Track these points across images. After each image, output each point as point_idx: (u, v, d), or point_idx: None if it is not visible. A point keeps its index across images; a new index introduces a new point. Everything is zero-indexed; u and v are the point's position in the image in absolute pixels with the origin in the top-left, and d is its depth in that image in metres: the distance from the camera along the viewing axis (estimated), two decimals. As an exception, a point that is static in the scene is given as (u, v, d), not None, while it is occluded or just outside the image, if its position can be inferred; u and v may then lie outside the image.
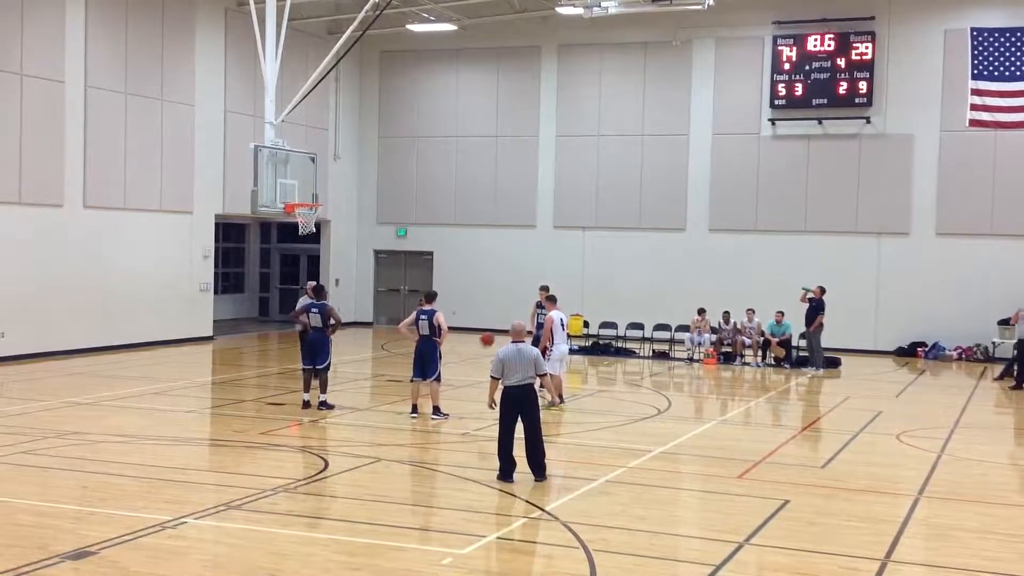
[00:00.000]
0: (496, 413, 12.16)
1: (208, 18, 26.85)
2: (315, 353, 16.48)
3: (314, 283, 24.08)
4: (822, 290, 23.89)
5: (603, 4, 24.06)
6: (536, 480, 11.88)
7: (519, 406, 11.96)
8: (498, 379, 12.14)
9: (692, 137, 29.27)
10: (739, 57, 28.84)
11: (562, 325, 17.69)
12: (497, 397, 12.18)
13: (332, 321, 16.68)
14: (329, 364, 16.73)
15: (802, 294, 23.91)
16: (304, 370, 16.68)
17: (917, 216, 27.35)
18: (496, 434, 12.15)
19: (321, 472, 12.39)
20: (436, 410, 16.03)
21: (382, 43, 31.66)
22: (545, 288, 19.34)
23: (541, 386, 12.60)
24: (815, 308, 23.69)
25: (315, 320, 16.63)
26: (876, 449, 14.90)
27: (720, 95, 29.00)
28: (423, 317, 16.00)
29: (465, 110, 31.69)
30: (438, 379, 16.12)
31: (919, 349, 26.92)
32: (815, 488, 12.05)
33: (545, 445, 12.17)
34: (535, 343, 16.79)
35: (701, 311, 25.49)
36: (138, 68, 24.75)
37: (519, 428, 11.99)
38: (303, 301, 18.88)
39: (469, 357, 24.17)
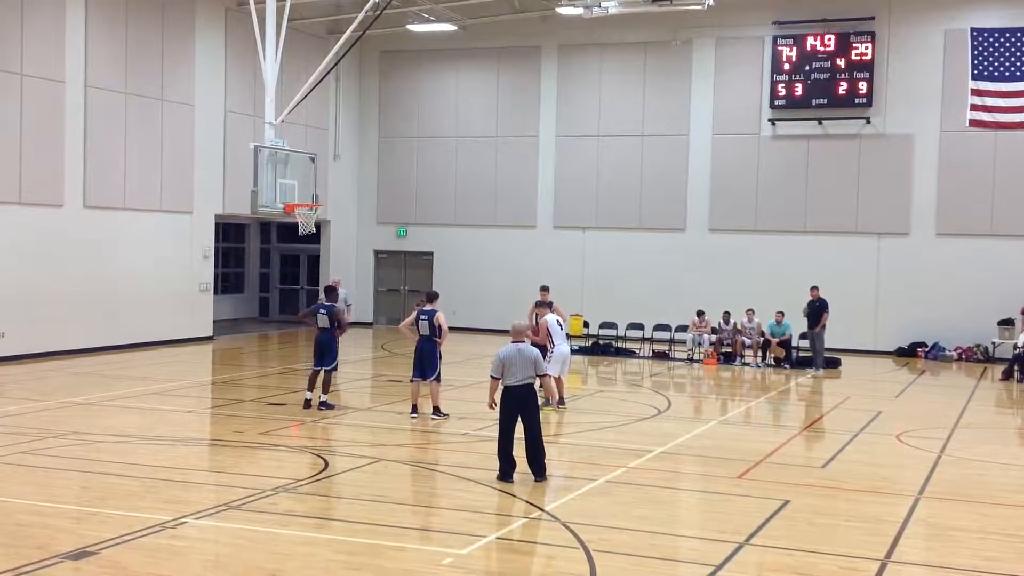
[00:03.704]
0: (496, 413, 12.16)
1: (208, 18, 26.85)
2: (322, 354, 16.49)
3: (338, 279, 24.46)
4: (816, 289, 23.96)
5: (603, 4, 24.09)
6: (536, 480, 11.87)
7: (519, 406, 11.95)
8: (498, 379, 12.13)
9: (692, 137, 29.27)
10: (739, 57, 28.84)
11: (560, 326, 17.62)
12: (497, 397, 12.18)
13: (338, 323, 16.75)
14: (336, 365, 16.80)
15: (805, 309, 23.94)
16: (313, 370, 16.69)
17: (917, 216, 27.34)
18: (496, 434, 12.16)
19: (321, 472, 12.39)
20: (436, 410, 16.03)
21: (382, 43, 31.65)
22: (545, 289, 19.31)
23: (540, 386, 12.60)
24: (819, 308, 23.70)
25: (322, 321, 16.64)
26: (876, 449, 14.89)
27: (720, 95, 28.99)
28: (423, 317, 16.00)
29: (465, 110, 31.69)
30: (438, 379, 16.13)
31: (919, 349, 26.91)
32: (815, 488, 12.05)
33: (545, 445, 12.17)
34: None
35: (700, 313, 25.47)
36: (138, 68, 24.75)
37: (519, 428, 11.99)
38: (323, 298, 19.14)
39: (469, 357, 24.17)
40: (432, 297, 16.58)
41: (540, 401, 12.70)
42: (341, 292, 24.41)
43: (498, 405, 12.11)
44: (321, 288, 26.36)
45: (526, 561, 9.41)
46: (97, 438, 14.01)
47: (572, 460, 13.46)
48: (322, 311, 16.73)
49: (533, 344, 17.37)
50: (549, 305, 18.02)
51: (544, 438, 12.20)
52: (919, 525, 10.68)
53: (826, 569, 9.01)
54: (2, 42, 21.59)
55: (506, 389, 12.03)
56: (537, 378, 12.26)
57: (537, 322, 17.65)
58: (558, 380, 17.13)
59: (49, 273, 22.64)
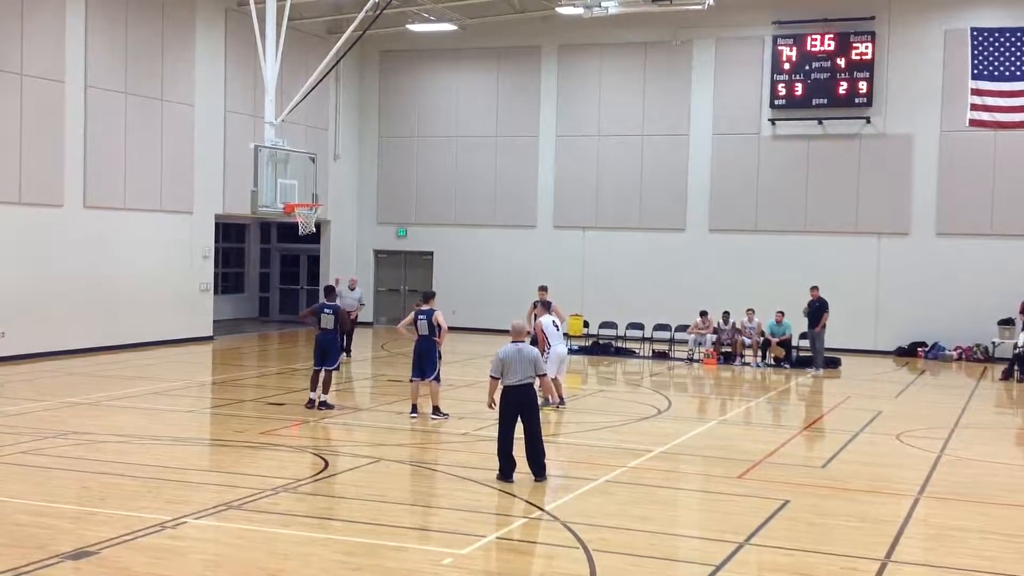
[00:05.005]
0: (495, 413, 12.16)
1: (208, 18, 26.84)
2: (325, 354, 16.50)
3: (355, 278, 24.89)
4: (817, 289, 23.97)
5: (603, 4, 24.08)
6: (536, 480, 11.87)
7: (519, 406, 11.95)
8: (498, 379, 12.13)
9: (692, 137, 29.27)
10: (739, 57, 28.83)
11: (556, 327, 17.61)
12: (496, 397, 12.18)
13: (342, 324, 16.91)
14: (339, 366, 16.83)
15: (805, 309, 23.90)
16: (315, 370, 16.69)
17: (917, 216, 27.34)
18: (496, 434, 12.16)
19: (321, 472, 12.39)
20: (436, 410, 16.04)
21: (382, 43, 31.65)
22: (544, 288, 19.32)
23: (539, 386, 12.55)
24: (819, 308, 23.69)
25: (326, 322, 16.64)
26: (876, 449, 14.89)
27: (720, 95, 28.99)
28: (422, 317, 16.02)
29: (465, 110, 31.68)
30: (437, 379, 16.14)
31: (919, 349, 26.91)
32: (815, 488, 12.05)
33: (545, 445, 12.17)
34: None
35: (703, 313, 25.45)
36: (138, 68, 24.74)
37: (519, 428, 11.99)
38: (340, 295, 19.59)
39: (469, 357, 24.17)
40: (429, 297, 16.63)
41: (540, 401, 12.70)
42: (357, 291, 24.60)
43: (497, 405, 12.11)
44: (321, 288, 26.45)
45: (526, 561, 9.41)
46: (97, 438, 14.01)
47: (572, 460, 13.46)
48: (327, 311, 16.73)
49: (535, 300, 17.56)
50: (547, 305, 18.02)
51: (544, 438, 12.21)
52: (919, 525, 10.68)
53: (826, 569, 9.01)
54: (2, 42, 21.59)
55: (506, 389, 12.03)
56: (536, 378, 12.27)
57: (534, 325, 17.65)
58: (555, 380, 17.14)
59: (49, 273, 22.63)
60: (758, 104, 28.56)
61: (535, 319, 17.89)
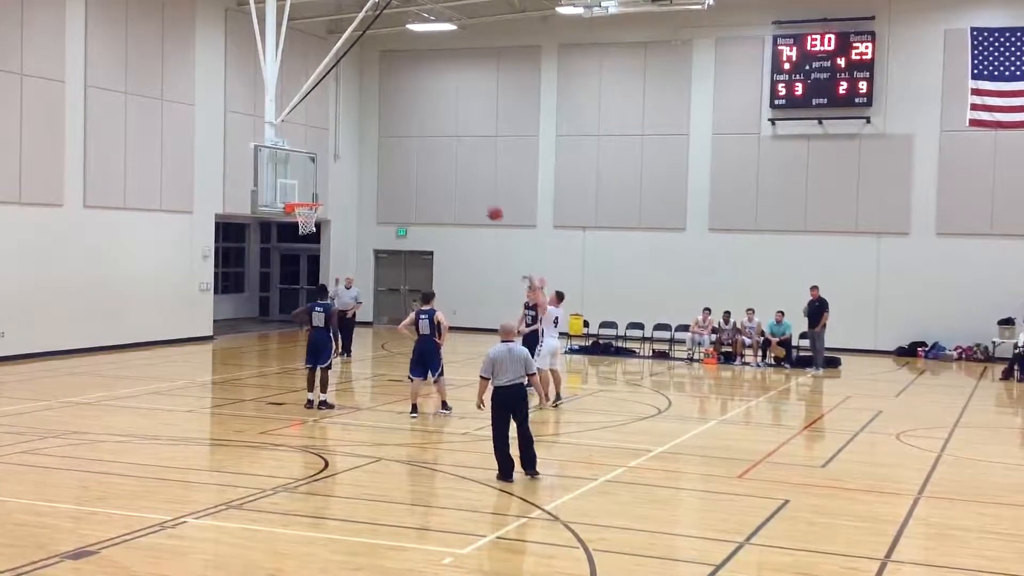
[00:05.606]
0: (488, 413, 12.14)
1: (208, 18, 26.84)
2: (317, 352, 16.52)
3: (351, 277, 25.02)
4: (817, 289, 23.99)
5: (603, 4, 24.10)
6: (527, 474, 11.87)
7: (510, 406, 11.92)
8: (488, 379, 12.10)
9: (692, 137, 29.26)
10: (739, 57, 28.83)
11: (555, 322, 17.77)
12: (486, 398, 12.17)
13: (331, 322, 16.89)
14: (331, 364, 16.83)
15: (805, 308, 23.92)
16: (308, 369, 16.70)
17: (917, 216, 27.33)
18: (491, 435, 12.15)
19: (321, 472, 12.39)
20: (443, 404, 16.21)
21: (382, 43, 31.65)
22: (528, 278, 19.32)
23: (528, 384, 12.48)
24: (819, 308, 23.70)
25: (317, 319, 16.67)
26: (876, 449, 14.90)
27: (720, 95, 28.98)
28: (423, 317, 16.10)
29: (465, 110, 31.68)
30: (442, 374, 16.28)
31: (919, 349, 26.90)
32: (815, 488, 12.05)
33: (545, 445, 12.15)
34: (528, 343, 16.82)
35: (706, 310, 25.48)
36: (138, 68, 24.74)
37: (514, 427, 11.97)
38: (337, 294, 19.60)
39: (470, 357, 24.16)
40: (428, 298, 16.70)
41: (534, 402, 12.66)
42: (354, 290, 24.63)
43: (487, 405, 12.10)
44: (301, 287, 26.61)
45: (526, 561, 9.41)
46: (97, 438, 14.01)
47: (572, 459, 13.45)
48: (318, 309, 16.76)
49: (525, 301, 17.70)
50: (561, 297, 18.23)
51: (543, 438, 12.19)
52: (919, 525, 10.69)
53: (826, 569, 9.01)
54: (2, 42, 21.59)
55: (496, 389, 12.01)
56: (527, 377, 12.21)
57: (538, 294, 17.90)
58: (554, 373, 17.27)
59: (49, 273, 22.63)
60: (758, 104, 28.55)
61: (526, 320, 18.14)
